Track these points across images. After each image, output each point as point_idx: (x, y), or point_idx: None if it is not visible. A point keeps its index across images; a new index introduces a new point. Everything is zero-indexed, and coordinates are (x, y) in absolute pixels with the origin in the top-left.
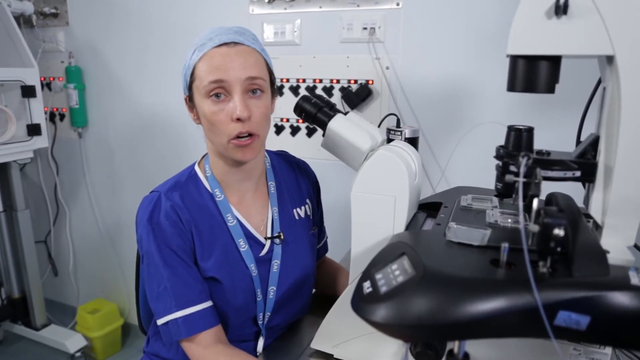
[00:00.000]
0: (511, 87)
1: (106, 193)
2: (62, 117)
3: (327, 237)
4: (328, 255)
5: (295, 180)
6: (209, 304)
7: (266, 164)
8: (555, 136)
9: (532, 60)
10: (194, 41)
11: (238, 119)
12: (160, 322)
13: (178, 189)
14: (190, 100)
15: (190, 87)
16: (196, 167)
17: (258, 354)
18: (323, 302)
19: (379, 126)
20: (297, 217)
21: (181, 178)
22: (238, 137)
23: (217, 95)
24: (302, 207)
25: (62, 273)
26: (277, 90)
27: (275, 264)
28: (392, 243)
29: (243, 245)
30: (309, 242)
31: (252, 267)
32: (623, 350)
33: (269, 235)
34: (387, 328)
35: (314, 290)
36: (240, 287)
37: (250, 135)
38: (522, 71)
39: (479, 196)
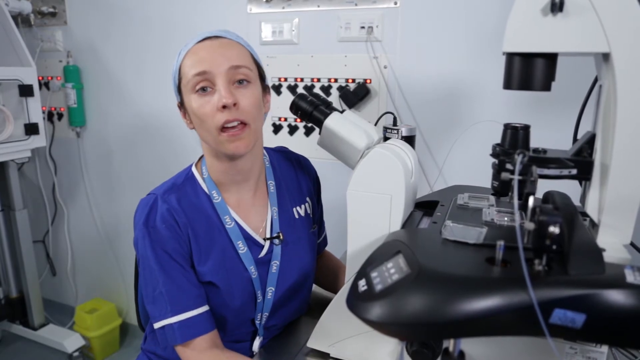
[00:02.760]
0: (507, 85)
1: (104, 192)
2: (60, 116)
3: (326, 232)
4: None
5: (295, 178)
6: (205, 308)
7: (265, 162)
8: (551, 134)
9: (528, 58)
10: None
11: (224, 107)
12: (156, 326)
13: (175, 191)
14: (182, 105)
15: (179, 90)
16: (193, 169)
17: (254, 353)
18: (320, 302)
19: (375, 125)
20: (297, 216)
21: (178, 180)
22: (227, 126)
23: (203, 89)
24: (302, 206)
25: (60, 273)
26: (269, 87)
27: (275, 265)
28: (388, 241)
29: (242, 248)
30: (308, 241)
31: (252, 269)
32: (619, 349)
33: (268, 235)
34: (382, 326)
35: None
36: (239, 289)
37: (240, 124)
38: (518, 69)
39: (475, 195)
